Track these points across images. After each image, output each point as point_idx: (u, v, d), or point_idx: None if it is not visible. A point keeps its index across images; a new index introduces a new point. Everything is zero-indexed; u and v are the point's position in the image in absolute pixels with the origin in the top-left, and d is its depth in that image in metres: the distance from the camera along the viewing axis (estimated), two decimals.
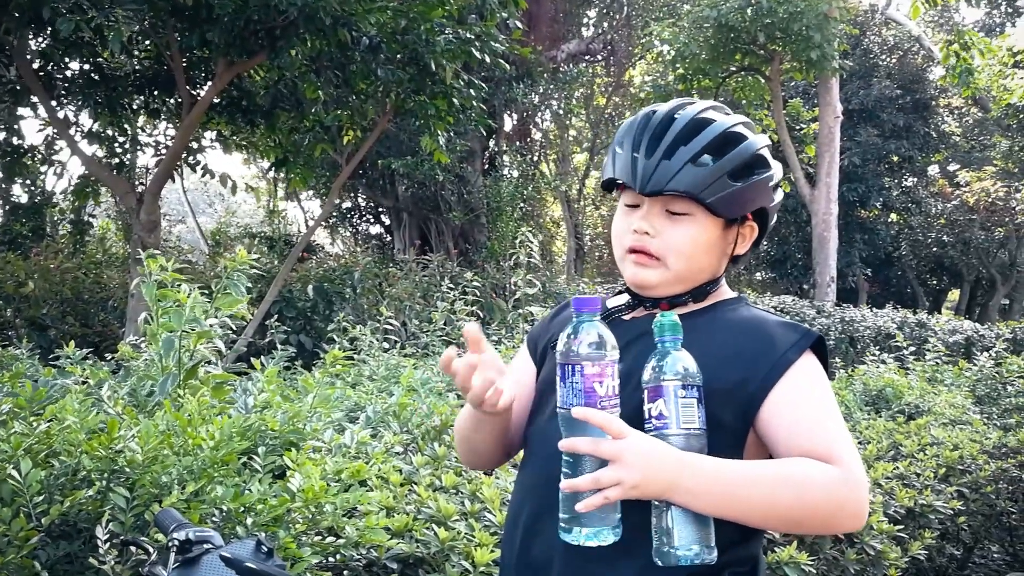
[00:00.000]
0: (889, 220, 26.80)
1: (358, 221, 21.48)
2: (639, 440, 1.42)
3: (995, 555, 5.37)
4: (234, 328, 4.06)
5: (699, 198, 1.61)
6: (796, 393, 1.56)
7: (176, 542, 1.63)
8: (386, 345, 6.90)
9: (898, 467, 4.31)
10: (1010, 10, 28.73)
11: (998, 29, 27.36)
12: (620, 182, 1.69)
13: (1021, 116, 22.22)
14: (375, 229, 21.52)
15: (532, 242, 11.41)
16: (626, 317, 1.76)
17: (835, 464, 1.46)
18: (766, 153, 1.70)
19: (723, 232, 1.69)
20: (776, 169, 1.73)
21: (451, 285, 9.34)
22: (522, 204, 18.49)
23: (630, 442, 1.41)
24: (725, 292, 1.78)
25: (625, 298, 1.79)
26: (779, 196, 1.76)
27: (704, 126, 1.65)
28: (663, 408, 1.47)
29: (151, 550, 1.78)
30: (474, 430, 1.75)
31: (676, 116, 1.67)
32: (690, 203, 1.63)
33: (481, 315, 10.37)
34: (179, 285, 3.52)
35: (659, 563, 1.45)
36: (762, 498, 1.43)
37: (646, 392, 1.49)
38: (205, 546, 1.63)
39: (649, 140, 1.65)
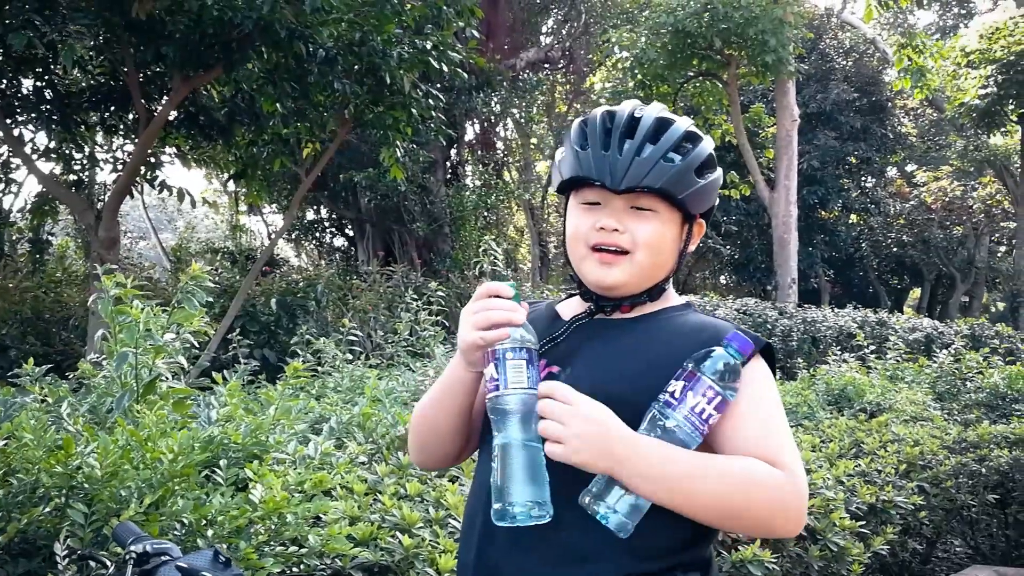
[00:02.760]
0: (849, 221, 27.12)
1: (321, 234, 21.41)
2: (593, 407, 1.47)
3: (957, 549, 5.45)
4: (197, 344, 4.03)
5: (672, 193, 1.64)
6: (747, 396, 1.58)
7: (133, 555, 1.62)
8: (350, 357, 6.87)
9: (860, 464, 4.36)
10: (962, 12, 29.22)
11: (951, 31, 27.82)
12: (582, 180, 1.69)
13: (975, 115, 22.54)
14: (339, 241, 21.46)
15: (496, 251, 11.40)
16: (583, 322, 1.77)
17: (780, 467, 1.50)
18: (713, 154, 1.74)
19: (680, 229, 1.72)
20: (719, 171, 1.77)
21: (415, 295, 9.31)
22: (485, 213, 18.51)
23: (582, 407, 1.46)
24: (673, 297, 1.81)
25: (574, 303, 1.81)
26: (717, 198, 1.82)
27: (668, 125, 1.69)
28: (494, 372, 1.52)
29: (109, 564, 1.77)
30: (442, 400, 1.73)
31: (639, 116, 1.70)
32: (655, 200, 1.66)
33: (446, 324, 10.35)
34: (134, 300, 3.49)
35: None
36: (707, 490, 1.46)
37: (488, 354, 1.55)
38: (162, 558, 1.63)
39: (619, 138, 1.67)
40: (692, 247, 1.78)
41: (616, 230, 1.66)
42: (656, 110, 1.72)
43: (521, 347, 1.52)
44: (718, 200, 1.80)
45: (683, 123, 1.71)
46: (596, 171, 1.66)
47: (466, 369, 1.65)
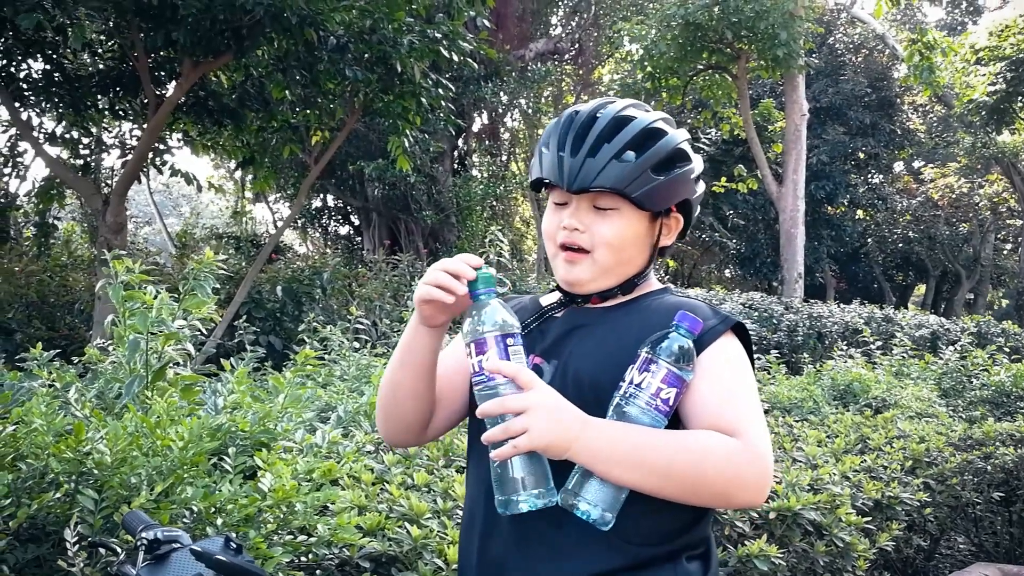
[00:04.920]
0: (856, 217, 27.07)
1: (327, 221, 21.40)
2: (547, 393, 1.47)
3: (961, 546, 5.45)
4: (203, 330, 4.03)
5: (624, 193, 1.64)
6: (713, 366, 1.60)
7: (145, 542, 1.62)
8: (356, 345, 6.87)
9: (866, 460, 4.35)
10: (971, 8, 29.12)
11: (960, 27, 27.73)
12: (548, 181, 1.72)
13: (983, 112, 22.46)
14: (344, 229, 21.45)
15: (502, 241, 11.39)
16: (558, 314, 1.79)
17: (738, 437, 1.50)
18: (686, 147, 1.74)
19: (649, 225, 1.73)
20: (696, 162, 1.76)
21: None
22: (492, 203, 18.49)
23: (537, 394, 1.46)
24: (652, 284, 1.82)
25: (557, 296, 1.82)
26: (701, 188, 1.80)
27: (626, 123, 1.69)
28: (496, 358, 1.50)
29: (120, 551, 1.77)
30: (402, 362, 1.73)
31: (598, 115, 1.70)
32: (616, 198, 1.67)
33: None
34: (145, 287, 3.49)
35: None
36: (660, 463, 1.46)
37: (472, 347, 1.52)
38: (174, 545, 1.63)
39: (574, 139, 1.68)
40: (668, 241, 1.79)
41: (577, 229, 1.69)
42: (618, 107, 1.73)
43: (516, 333, 1.53)
44: (700, 191, 1.78)
45: (644, 119, 1.71)
46: (552, 172, 1.69)
47: (420, 325, 1.68)
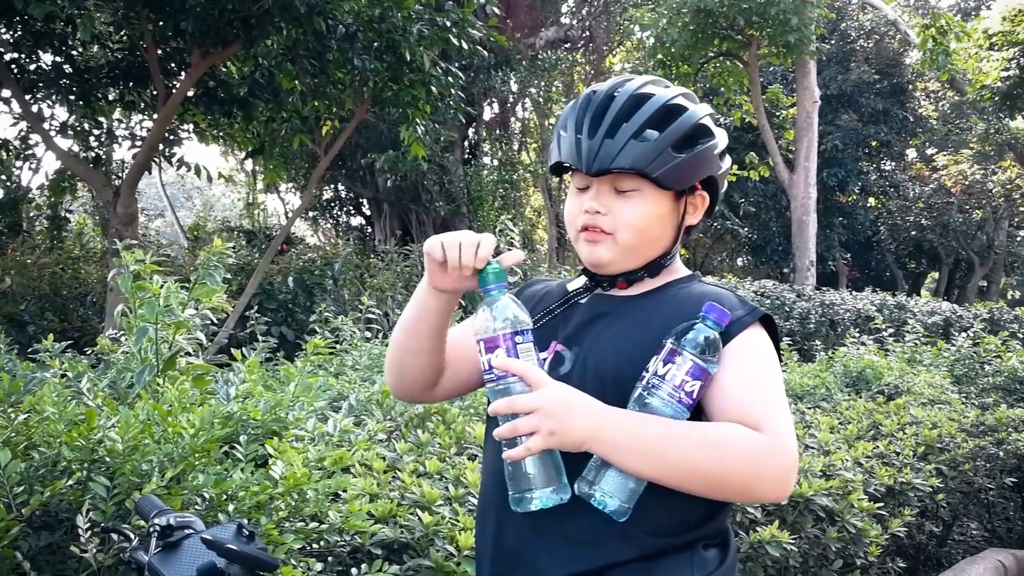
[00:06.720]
0: (868, 204, 26.96)
1: (339, 212, 21.41)
2: (558, 390, 1.45)
3: (973, 532, 5.43)
4: (215, 320, 4.04)
5: (645, 173, 1.60)
6: (738, 358, 1.56)
7: (157, 528, 1.63)
8: (368, 335, 6.88)
9: (878, 446, 4.34)
10: None
11: (973, 12, 27.51)
12: (567, 165, 1.69)
13: (997, 98, 22.28)
14: (356, 220, 21.47)
15: (513, 231, 11.38)
16: (582, 300, 1.76)
17: (763, 431, 1.47)
18: (709, 122, 1.68)
19: (673, 204, 1.68)
20: (720, 137, 1.71)
21: None
22: (505, 188, 18.47)
23: (548, 392, 1.43)
24: (680, 270, 1.78)
25: (582, 280, 1.79)
26: (727, 163, 1.74)
27: (644, 101, 1.64)
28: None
29: (133, 537, 1.78)
30: (410, 319, 1.72)
31: (616, 93, 1.66)
32: (637, 179, 1.62)
33: (463, 304, 10.36)
34: (154, 276, 3.49)
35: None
36: (681, 456, 1.43)
37: (481, 344, 1.50)
38: (186, 531, 1.63)
39: (591, 120, 1.64)
40: (695, 220, 1.75)
41: (598, 212, 1.65)
42: (635, 84, 1.68)
43: (526, 329, 1.50)
44: (725, 167, 1.73)
45: (663, 95, 1.66)
46: (571, 155, 1.66)
47: (428, 285, 1.66)
